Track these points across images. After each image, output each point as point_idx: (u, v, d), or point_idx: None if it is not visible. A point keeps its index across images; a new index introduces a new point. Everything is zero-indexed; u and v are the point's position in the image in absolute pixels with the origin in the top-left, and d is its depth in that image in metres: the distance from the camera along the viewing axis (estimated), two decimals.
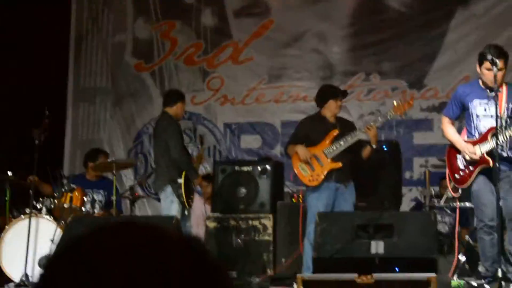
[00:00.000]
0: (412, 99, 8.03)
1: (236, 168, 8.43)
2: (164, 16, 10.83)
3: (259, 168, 8.35)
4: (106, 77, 10.96)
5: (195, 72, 10.74)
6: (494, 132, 6.37)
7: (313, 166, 7.48)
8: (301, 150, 7.52)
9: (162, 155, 7.68)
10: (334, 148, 7.48)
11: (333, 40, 10.38)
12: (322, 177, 7.44)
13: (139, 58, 10.90)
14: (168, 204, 7.55)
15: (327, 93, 7.73)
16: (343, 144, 7.46)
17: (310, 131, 7.65)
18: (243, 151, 10.34)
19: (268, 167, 8.37)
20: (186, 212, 7.71)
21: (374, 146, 7.50)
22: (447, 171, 6.89)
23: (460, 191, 7.06)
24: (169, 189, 7.57)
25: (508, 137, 6.36)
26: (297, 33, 10.48)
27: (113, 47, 10.96)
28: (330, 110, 7.63)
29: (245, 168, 8.40)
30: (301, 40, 10.46)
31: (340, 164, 7.44)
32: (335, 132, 7.55)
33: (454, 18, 9.99)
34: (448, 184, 6.92)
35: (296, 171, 7.58)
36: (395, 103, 7.59)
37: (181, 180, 7.55)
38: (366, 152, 7.54)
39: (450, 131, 6.74)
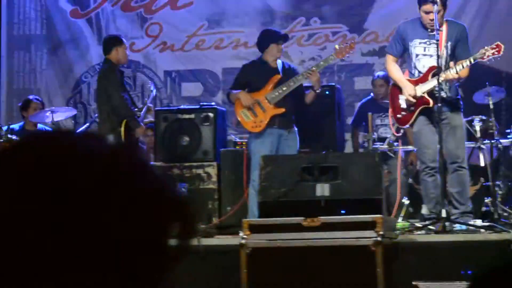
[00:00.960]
0: (354, 42, 8.01)
1: (178, 116, 8.31)
2: None
3: (202, 116, 8.25)
4: (40, 24, 10.63)
5: (133, 18, 10.49)
6: (434, 71, 6.41)
7: (255, 112, 7.44)
8: (243, 96, 7.46)
9: (104, 103, 7.54)
10: (277, 93, 7.43)
11: None
12: (265, 123, 7.40)
13: (75, 4, 10.57)
14: None
15: (268, 37, 7.66)
16: (285, 89, 7.41)
17: (252, 77, 7.58)
18: (184, 99, 10.17)
19: (210, 114, 8.27)
20: None
21: (317, 91, 7.48)
22: (389, 110, 6.93)
23: (402, 131, 7.13)
24: (110, 139, 7.42)
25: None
26: None
27: None
28: (272, 54, 7.57)
29: (187, 116, 8.28)
30: None
31: (283, 110, 7.41)
32: (278, 77, 7.50)
33: None
34: (391, 125, 6.97)
35: (238, 118, 7.52)
36: (337, 46, 7.57)
37: (120, 129, 7.42)
38: (309, 97, 7.53)
39: (393, 69, 6.77)
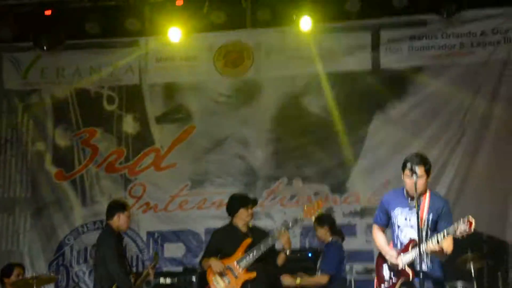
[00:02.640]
0: (321, 201, 8.07)
1: (161, 280, 8.29)
2: (85, 124, 10.74)
3: (184, 279, 8.23)
4: (26, 186, 10.72)
5: (117, 179, 10.61)
6: (414, 243, 6.39)
7: (228, 278, 7.43)
8: (214, 263, 7.48)
9: (100, 265, 7.51)
10: (247, 258, 7.46)
11: (255, 145, 10.45)
12: None
13: (59, 166, 10.72)
14: None
15: (237, 202, 7.77)
16: (256, 253, 7.45)
17: (222, 243, 7.63)
18: (167, 260, 10.14)
19: (193, 277, 8.27)
20: None
21: (287, 252, 7.50)
22: (375, 280, 6.88)
23: None
24: None
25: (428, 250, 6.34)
26: (220, 138, 10.53)
27: (32, 156, 10.77)
28: (242, 219, 7.67)
29: (169, 280, 8.27)
30: (224, 145, 10.50)
31: (254, 274, 7.42)
32: (248, 242, 7.53)
33: (372, 123, 10.19)
34: None
35: (211, 286, 7.49)
36: (305, 207, 7.63)
37: None
38: (280, 259, 7.56)
39: (378, 238, 6.71)
